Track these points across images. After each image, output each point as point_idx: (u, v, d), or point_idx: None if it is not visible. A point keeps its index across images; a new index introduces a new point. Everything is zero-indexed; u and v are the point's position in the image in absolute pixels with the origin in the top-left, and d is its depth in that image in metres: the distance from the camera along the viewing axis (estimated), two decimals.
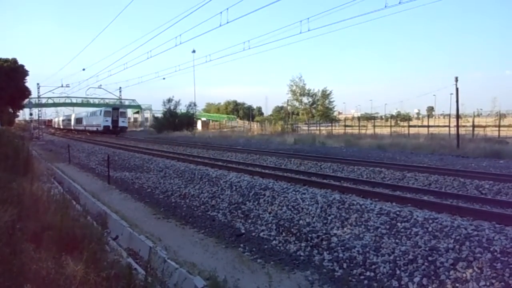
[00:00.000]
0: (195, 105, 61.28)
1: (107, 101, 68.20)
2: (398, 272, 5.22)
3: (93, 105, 67.81)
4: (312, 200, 7.92)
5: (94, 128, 42.94)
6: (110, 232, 7.42)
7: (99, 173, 16.54)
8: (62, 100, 66.81)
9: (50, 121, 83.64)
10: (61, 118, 64.73)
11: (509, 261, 4.64)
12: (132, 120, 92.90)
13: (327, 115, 62.30)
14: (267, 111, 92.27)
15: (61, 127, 61.09)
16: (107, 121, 40.32)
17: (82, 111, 51.97)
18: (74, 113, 56.29)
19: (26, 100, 48.80)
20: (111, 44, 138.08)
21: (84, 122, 47.62)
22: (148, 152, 20.64)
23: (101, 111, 42.52)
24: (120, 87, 60.89)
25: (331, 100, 64.99)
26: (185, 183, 11.94)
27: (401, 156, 17.78)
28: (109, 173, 14.58)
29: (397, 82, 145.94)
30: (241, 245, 7.08)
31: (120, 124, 41.57)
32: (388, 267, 5.37)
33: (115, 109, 42.11)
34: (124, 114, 43.45)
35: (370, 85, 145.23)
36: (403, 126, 42.95)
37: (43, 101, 60.86)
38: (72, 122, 53.49)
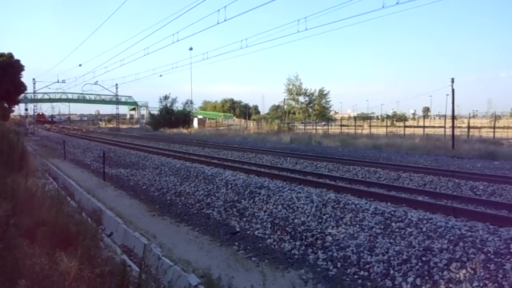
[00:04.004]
0: (191, 102, 61.62)
1: (103, 97, 67.95)
2: (392, 272, 5.25)
3: (89, 101, 67.79)
4: (307, 199, 7.93)
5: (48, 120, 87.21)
6: (105, 228, 7.40)
7: (95, 170, 16.47)
8: (58, 96, 66.61)
9: (42, 115, 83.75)
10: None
11: (502, 262, 4.67)
12: (128, 117, 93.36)
13: (324, 115, 62.43)
14: (264, 109, 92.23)
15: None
16: (50, 119, 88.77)
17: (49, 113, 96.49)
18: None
19: (22, 95, 48.47)
20: (108, 40, 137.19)
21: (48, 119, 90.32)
22: (144, 149, 20.57)
23: (49, 115, 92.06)
24: (117, 84, 61.07)
25: (328, 99, 65.25)
26: (180, 181, 11.92)
27: (397, 156, 17.83)
28: (105, 169, 14.52)
29: (394, 82, 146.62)
30: (236, 243, 7.09)
31: (53, 120, 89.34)
32: (382, 267, 5.40)
33: (52, 116, 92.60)
34: (55, 117, 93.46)
35: (367, 85, 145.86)
36: (399, 127, 43.11)
37: (39, 96, 60.48)
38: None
